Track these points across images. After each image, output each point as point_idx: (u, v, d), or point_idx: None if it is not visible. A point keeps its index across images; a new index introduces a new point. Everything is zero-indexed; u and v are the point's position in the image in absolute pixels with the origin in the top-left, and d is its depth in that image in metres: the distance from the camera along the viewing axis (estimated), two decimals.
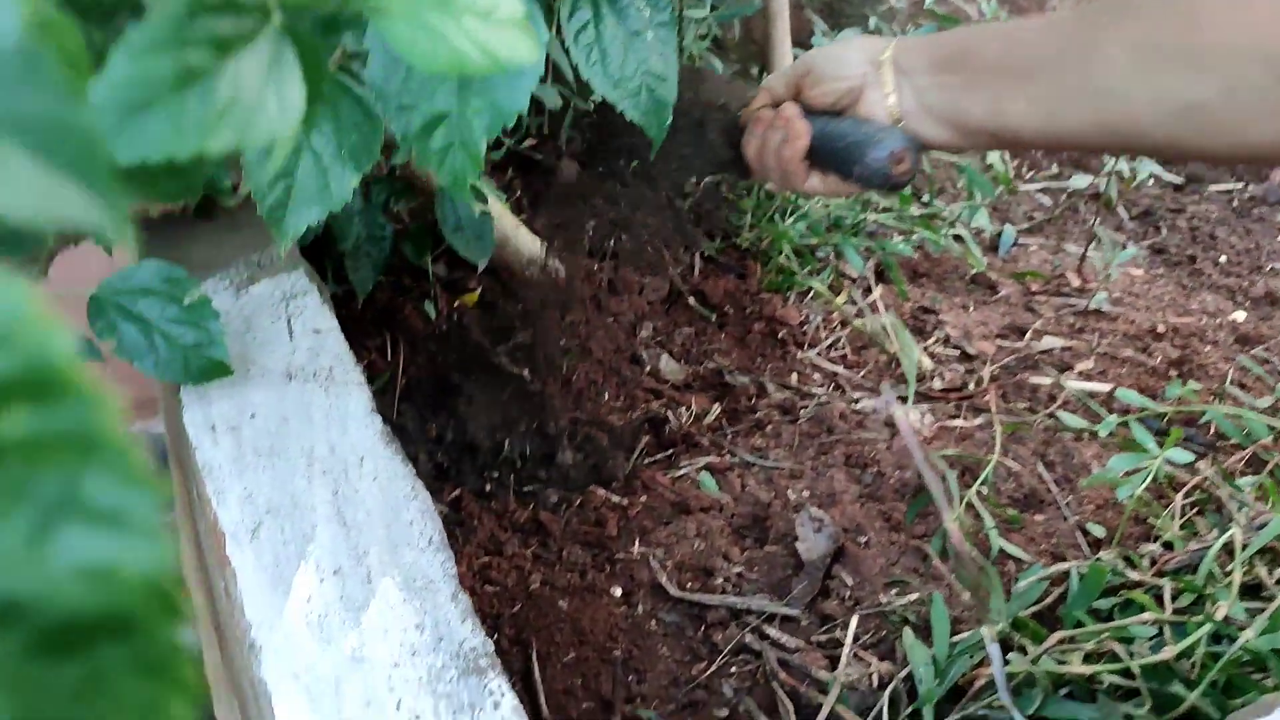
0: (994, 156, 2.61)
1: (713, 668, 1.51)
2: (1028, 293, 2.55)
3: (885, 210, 2.53)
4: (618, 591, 1.63)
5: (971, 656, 1.38)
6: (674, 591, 1.61)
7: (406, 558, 1.17)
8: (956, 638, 1.41)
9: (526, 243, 2.24)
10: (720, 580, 1.63)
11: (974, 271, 2.60)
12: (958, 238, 2.68)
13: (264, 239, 1.62)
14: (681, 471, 1.87)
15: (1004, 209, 2.84)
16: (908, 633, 1.43)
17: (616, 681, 1.48)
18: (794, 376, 2.15)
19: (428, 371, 2.10)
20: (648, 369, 2.17)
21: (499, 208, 2.05)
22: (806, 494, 1.77)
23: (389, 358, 2.11)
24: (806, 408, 2.02)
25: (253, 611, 1.09)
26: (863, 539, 1.66)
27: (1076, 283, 2.59)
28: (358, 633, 1.08)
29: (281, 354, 1.43)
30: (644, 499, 1.80)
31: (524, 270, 2.24)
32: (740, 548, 1.70)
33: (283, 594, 1.11)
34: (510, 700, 1.02)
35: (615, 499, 1.82)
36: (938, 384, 2.09)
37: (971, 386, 2.07)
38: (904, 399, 1.91)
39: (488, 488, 1.87)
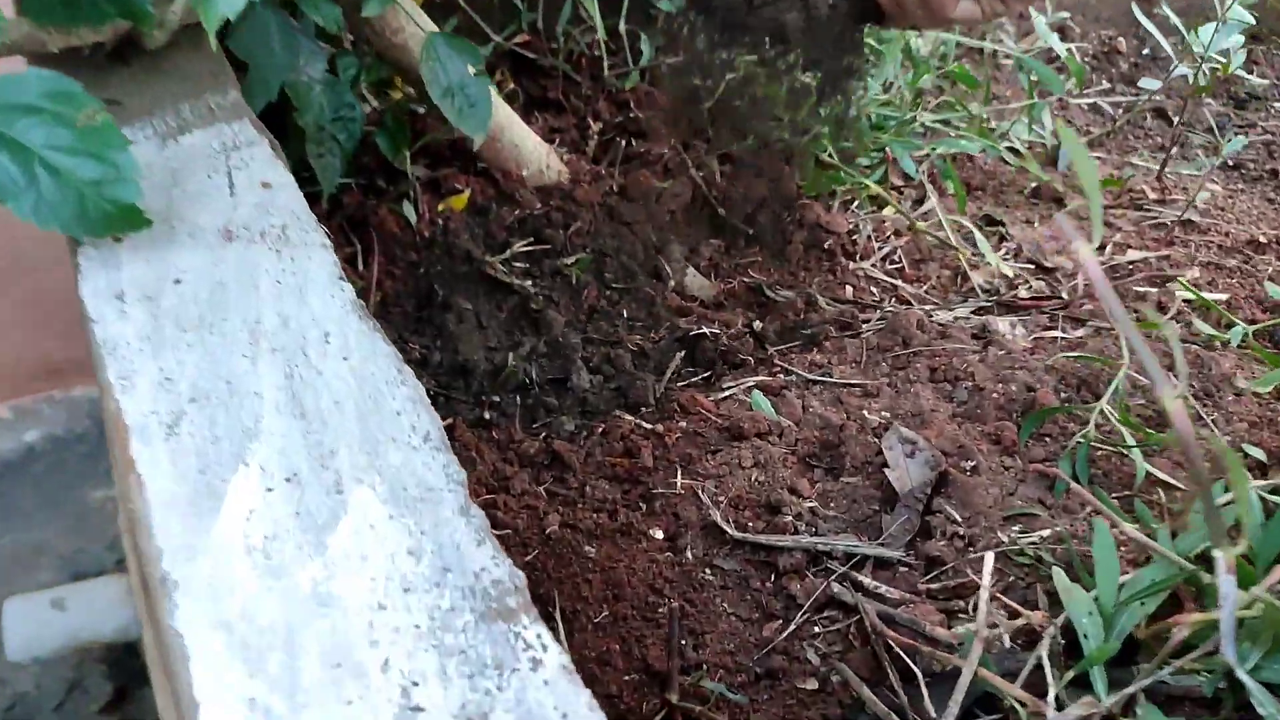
0: (1063, 50, 2.27)
1: (791, 626, 1.15)
2: None
3: (939, 109, 2.18)
4: (659, 534, 1.27)
5: (1143, 604, 1.04)
6: (733, 532, 1.25)
7: (393, 459, 0.81)
8: (1123, 579, 1.06)
9: (523, 139, 1.88)
10: (789, 518, 1.27)
11: (1033, 185, 2.26)
12: (1012, 150, 2.34)
13: (197, 85, 1.25)
14: (726, 393, 1.51)
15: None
16: (1059, 574, 1.08)
17: (669, 648, 1.12)
18: (848, 290, 1.80)
19: (408, 285, 1.73)
20: (671, 284, 1.81)
21: (492, 94, 1.68)
22: (887, 415, 1.42)
23: (360, 269, 1.74)
24: (869, 321, 1.67)
25: (165, 535, 0.73)
26: (968, 464, 1.31)
27: (1154, 195, 2.26)
28: (321, 562, 0.72)
29: (219, 210, 1.06)
30: (684, 424, 1.44)
31: (520, 171, 1.87)
32: (809, 479, 1.35)
33: (211, 510, 0.75)
34: (556, 655, 0.67)
35: (647, 425, 1.46)
36: (1023, 293, 1.75)
37: (1065, 295, 1.72)
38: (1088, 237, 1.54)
39: (486, 415, 1.51)
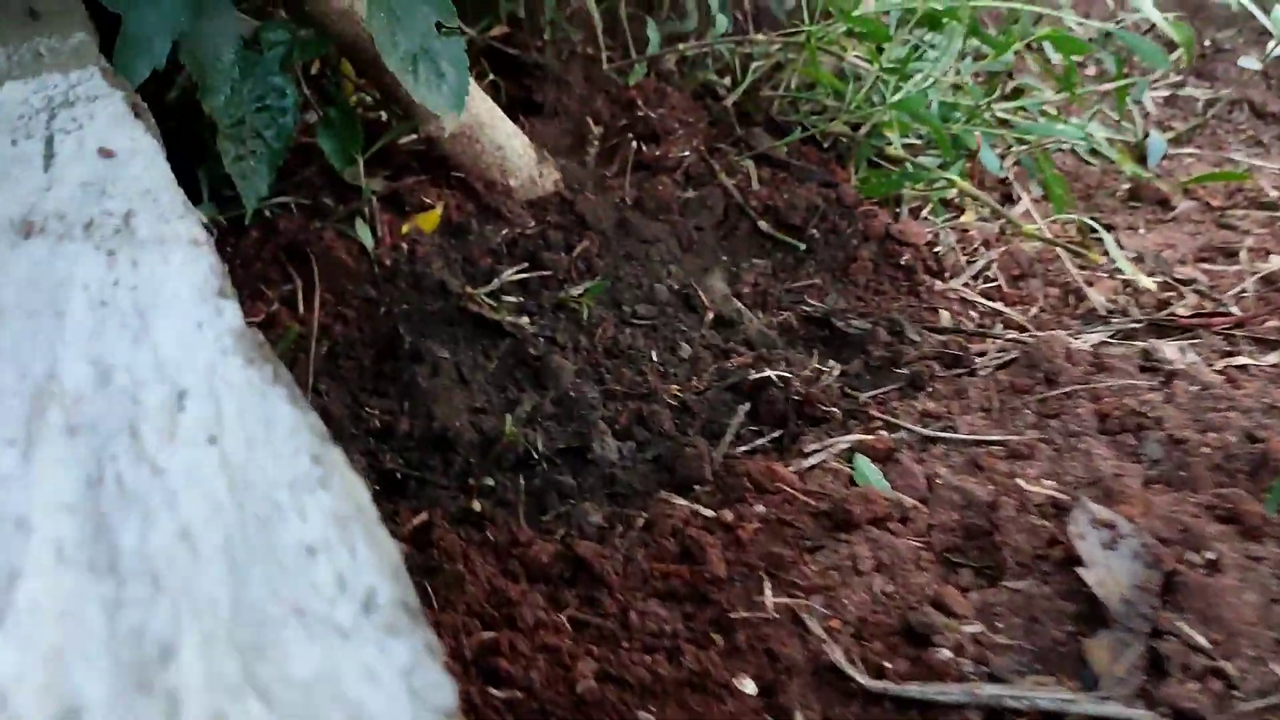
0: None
1: None
2: (1209, 208, 1.81)
3: (1013, 97, 1.77)
4: (748, 685, 0.83)
5: None
6: (864, 680, 0.81)
7: (297, 665, 0.37)
8: None
9: (508, 139, 1.46)
10: (945, 651, 0.84)
11: (1126, 185, 1.86)
12: (1092, 151, 1.95)
13: (23, 25, 0.82)
14: (812, 459, 1.08)
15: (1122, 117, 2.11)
16: None
17: None
18: (942, 316, 1.37)
19: (364, 329, 1.29)
20: (710, 316, 1.39)
21: (470, 83, 1.25)
22: (1052, 484, 0.99)
23: (299, 310, 1.30)
24: (986, 354, 1.24)
25: None
26: (1202, 557, 0.88)
27: (1274, 194, 1.85)
28: None
29: (19, 193, 0.62)
30: (760, 509, 1.00)
31: (506, 179, 1.45)
32: (958, 585, 0.91)
33: None
34: None
35: (708, 512, 1.02)
36: (1181, 311, 1.33)
37: (1237, 311, 1.31)
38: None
39: (477, 506, 1.06)
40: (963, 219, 1.61)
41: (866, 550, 0.93)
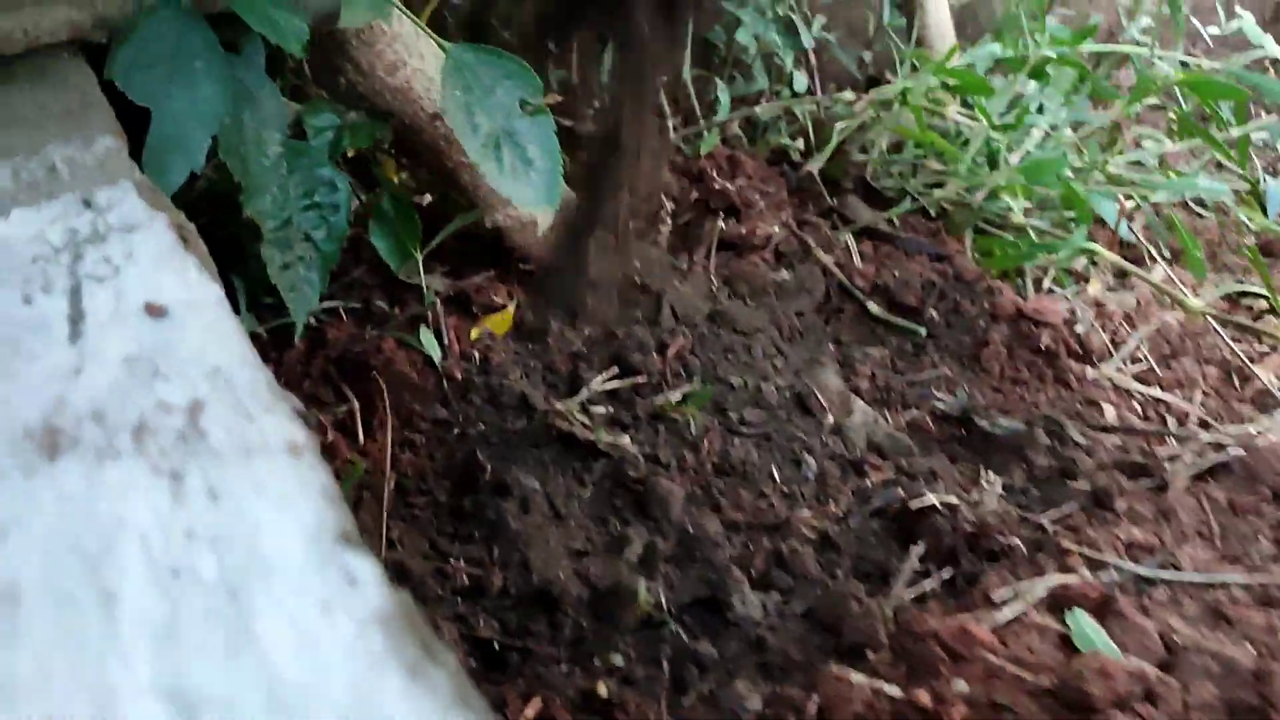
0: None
1: None
2: None
3: (1132, 150, 1.59)
4: None
5: None
6: None
7: None
8: None
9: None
10: None
11: (1250, 240, 1.67)
12: (1200, 201, 1.77)
13: (35, 129, 0.64)
14: (1006, 610, 0.88)
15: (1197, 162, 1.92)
16: None
17: None
18: (1107, 411, 1.18)
19: (437, 458, 1.10)
20: (830, 420, 1.19)
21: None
22: None
23: (360, 439, 1.11)
24: (1178, 458, 1.05)
25: None
26: None
27: None
28: None
29: (37, 381, 0.43)
30: (961, 685, 0.80)
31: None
32: None
33: None
34: None
35: (893, 691, 0.82)
36: None
37: None
38: None
39: (601, 688, 0.86)
40: (1090, 289, 1.42)
41: None
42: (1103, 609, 0.85)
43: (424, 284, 1.20)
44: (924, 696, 0.79)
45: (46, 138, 0.65)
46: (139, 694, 0.31)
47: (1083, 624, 0.82)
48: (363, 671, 0.32)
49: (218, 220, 1.32)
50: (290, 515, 0.38)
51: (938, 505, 0.97)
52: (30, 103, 0.70)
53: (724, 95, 1.65)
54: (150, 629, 0.33)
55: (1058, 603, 0.88)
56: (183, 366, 0.45)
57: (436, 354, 1.13)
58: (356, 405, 1.13)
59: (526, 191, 0.91)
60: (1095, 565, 0.92)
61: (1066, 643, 0.84)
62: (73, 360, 0.45)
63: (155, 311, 0.49)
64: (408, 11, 1.03)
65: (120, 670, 0.32)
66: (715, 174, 1.56)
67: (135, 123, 0.83)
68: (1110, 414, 1.16)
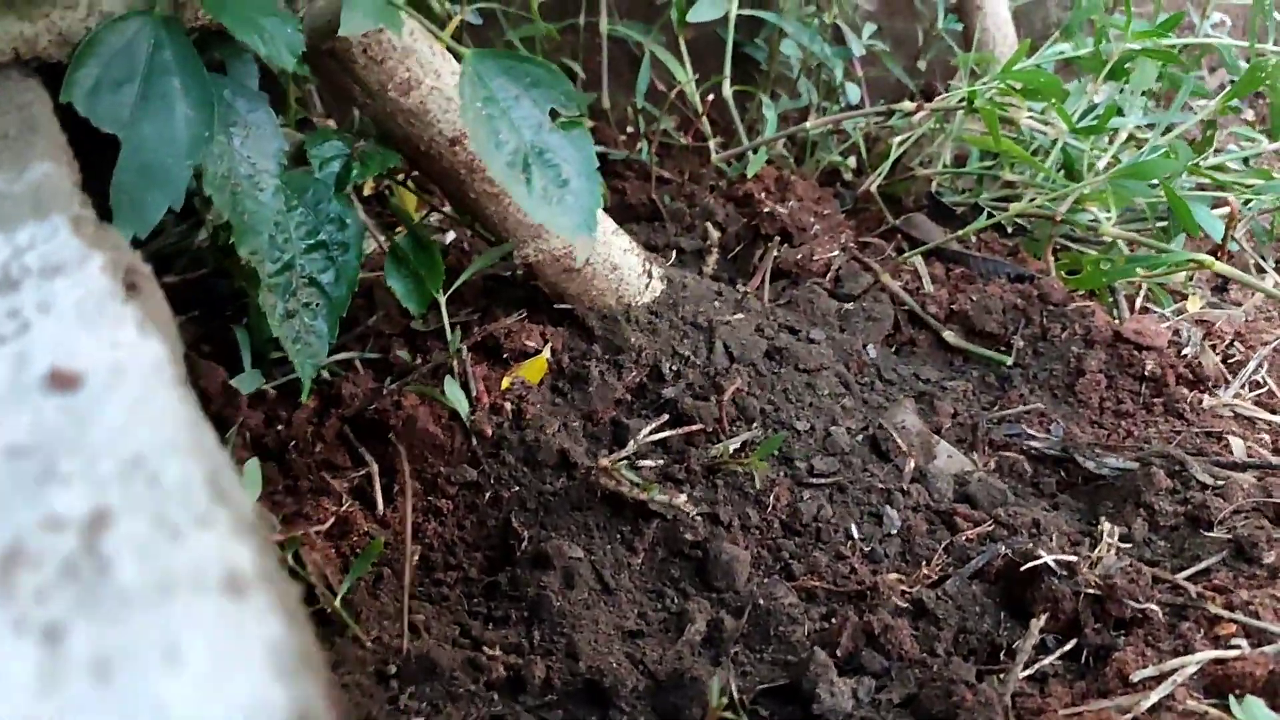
0: None
1: None
2: None
3: (1219, 153, 1.44)
4: None
5: None
6: None
7: None
8: None
9: (624, 258, 1.14)
10: None
11: None
12: None
13: None
14: (1149, 696, 0.73)
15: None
16: None
17: None
18: (1234, 445, 1.03)
19: (468, 528, 0.97)
20: (910, 466, 1.05)
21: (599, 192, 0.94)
22: None
23: (381, 507, 0.98)
24: None
25: None
26: None
27: None
28: None
29: None
30: None
31: (620, 297, 1.13)
32: None
33: None
34: None
35: None
36: None
37: None
38: None
39: None
40: (1190, 306, 1.27)
41: None
42: (1274, 691, 0.70)
43: (448, 327, 1.07)
44: None
45: None
46: None
47: (1257, 713, 0.67)
48: None
49: (223, 270, 1.22)
50: (216, 697, 0.24)
51: (1052, 565, 0.83)
52: None
53: (769, 112, 1.52)
54: None
55: (1216, 684, 0.73)
56: (91, 459, 0.32)
57: (464, 408, 1.00)
58: (375, 469, 1.00)
59: (561, 217, 0.78)
60: (1254, 635, 0.76)
61: None
62: None
63: (64, 382, 0.36)
64: (422, 19, 0.91)
65: None
66: (764, 197, 1.43)
67: (102, 151, 0.71)
68: (1238, 448, 1.01)
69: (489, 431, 1.00)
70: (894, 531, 0.99)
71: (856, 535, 0.98)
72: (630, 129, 1.65)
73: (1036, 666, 0.80)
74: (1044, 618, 0.81)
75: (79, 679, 0.25)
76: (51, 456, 0.32)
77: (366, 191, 1.40)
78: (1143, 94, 1.42)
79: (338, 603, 0.85)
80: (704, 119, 1.52)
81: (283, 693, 0.25)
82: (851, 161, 1.57)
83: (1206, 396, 1.09)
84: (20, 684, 0.25)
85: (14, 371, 0.37)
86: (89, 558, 0.29)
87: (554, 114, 0.80)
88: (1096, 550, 0.87)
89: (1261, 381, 1.15)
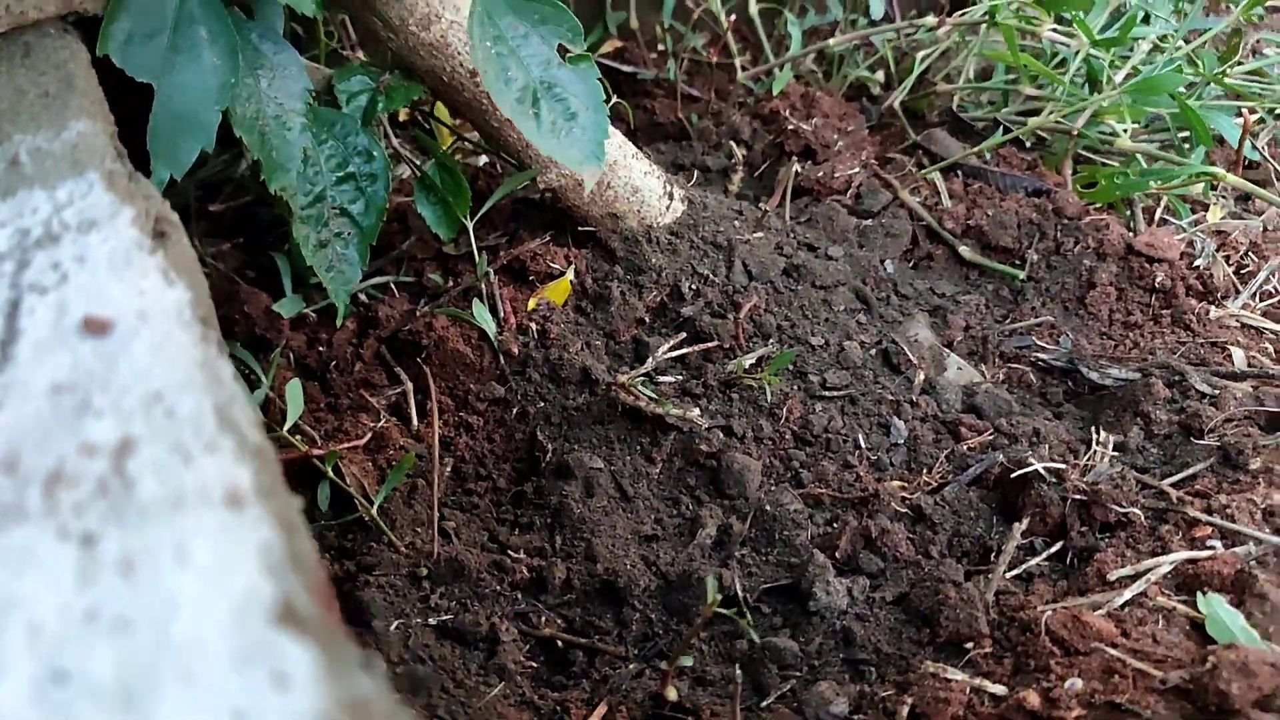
0: None
1: None
2: None
3: (1251, 59, 1.43)
4: None
5: None
6: None
7: None
8: None
9: (644, 180, 1.18)
10: None
11: None
12: None
13: (7, 117, 0.57)
14: (1125, 592, 0.78)
15: None
16: None
17: None
18: (1234, 355, 1.05)
19: (495, 440, 1.03)
20: (920, 378, 1.09)
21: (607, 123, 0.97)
22: None
23: (414, 423, 1.04)
24: None
25: None
26: None
27: None
28: None
29: None
30: (1076, 683, 0.71)
31: (641, 219, 1.17)
32: None
33: None
34: None
35: (997, 688, 0.73)
36: None
37: None
38: None
39: (672, 694, 0.78)
40: (1210, 219, 1.28)
41: None
42: (1240, 589, 0.75)
43: (476, 252, 1.12)
44: (1032, 697, 0.70)
45: (16, 127, 0.59)
46: None
47: (1218, 609, 0.72)
48: None
49: (265, 198, 1.28)
50: (216, 589, 0.30)
51: (1043, 472, 0.87)
52: (7, 88, 0.64)
53: (795, 29, 1.53)
54: None
55: (1187, 583, 0.77)
56: (118, 395, 0.38)
57: (491, 329, 1.06)
58: (410, 387, 1.07)
59: (570, 149, 0.83)
60: (1229, 537, 0.81)
61: (1198, 630, 0.74)
62: None
63: (97, 327, 0.42)
64: None
65: None
66: (789, 114, 1.45)
67: (137, 102, 0.77)
68: (1239, 358, 1.04)
69: (515, 350, 1.06)
70: (900, 441, 1.03)
71: (864, 445, 1.03)
72: (660, 47, 1.67)
73: (1024, 567, 0.85)
74: (1031, 520, 0.86)
75: (108, 575, 0.31)
76: (87, 393, 0.38)
77: (402, 118, 1.45)
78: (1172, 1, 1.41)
79: (375, 511, 0.93)
80: (729, 36, 1.54)
81: (271, 587, 0.31)
82: (879, 76, 1.58)
83: (1214, 308, 1.11)
84: (63, 580, 0.31)
85: (56, 318, 0.43)
86: (117, 478, 0.35)
87: (562, 50, 0.84)
88: (1089, 457, 0.91)
89: (1272, 291, 1.16)
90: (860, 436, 1.03)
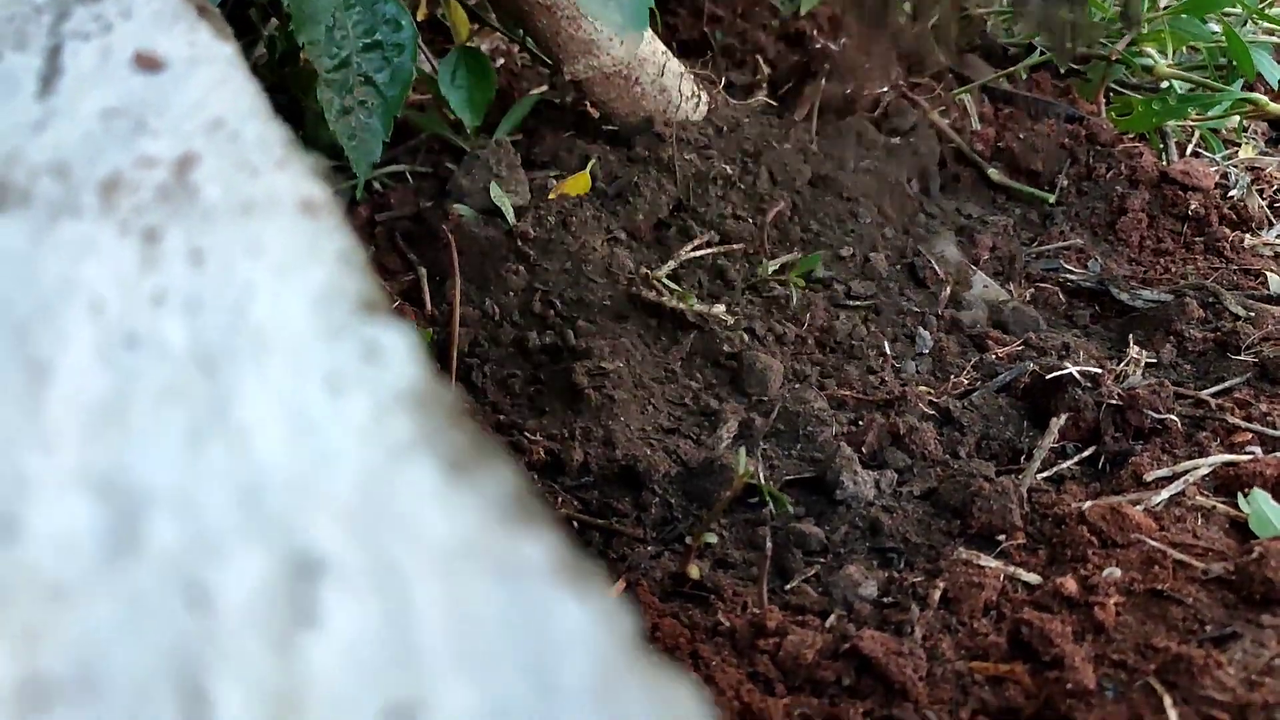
0: None
1: None
2: None
3: None
4: None
5: None
6: None
7: None
8: None
9: (673, 80, 1.15)
10: None
11: None
12: None
13: None
14: (1165, 492, 0.76)
15: None
16: None
17: None
18: (1272, 281, 1.04)
19: (510, 330, 1.00)
20: (947, 292, 1.07)
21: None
22: None
23: (427, 308, 1.02)
24: None
25: None
26: None
27: None
28: None
29: None
30: (1115, 572, 0.69)
31: (668, 119, 1.14)
32: None
33: None
34: None
35: (1032, 577, 0.71)
36: None
37: None
38: None
39: (694, 572, 0.76)
40: (1242, 153, 1.26)
41: None
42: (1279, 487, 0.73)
43: (497, 139, 1.09)
44: (1070, 584, 0.68)
45: None
46: (58, 487, 0.21)
47: (1262, 504, 0.70)
48: (379, 463, 0.22)
49: (280, 85, 1.24)
50: (295, 280, 0.28)
51: (1077, 376, 0.85)
52: None
53: None
54: (87, 408, 0.23)
55: (1226, 484, 0.75)
56: (176, 121, 0.35)
57: (510, 216, 1.03)
58: (424, 272, 1.04)
59: (612, 12, 0.80)
60: (1269, 443, 0.79)
61: (1238, 528, 0.72)
62: (36, 115, 0.36)
63: (148, 64, 0.39)
64: None
65: (37, 458, 0.22)
66: (816, 34, 1.42)
67: None
68: (1275, 282, 1.02)
69: (533, 238, 1.03)
70: (925, 350, 1.01)
71: (889, 352, 1.00)
72: None
73: (1054, 469, 0.83)
74: (1064, 419, 0.84)
75: (176, 264, 0.29)
76: (141, 116, 0.36)
77: (420, 16, 1.41)
78: None
79: None
80: None
81: (352, 281, 0.28)
82: (909, 2, 1.55)
83: (1248, 236, 1.09)
84: (126, 267, 0.29)
85: (101, 58, 0.40)
86: (179, 186, 0.32)
87: None
88: (1124, 365, 0.89)
89: None
90: (885, 344, 1.01)
